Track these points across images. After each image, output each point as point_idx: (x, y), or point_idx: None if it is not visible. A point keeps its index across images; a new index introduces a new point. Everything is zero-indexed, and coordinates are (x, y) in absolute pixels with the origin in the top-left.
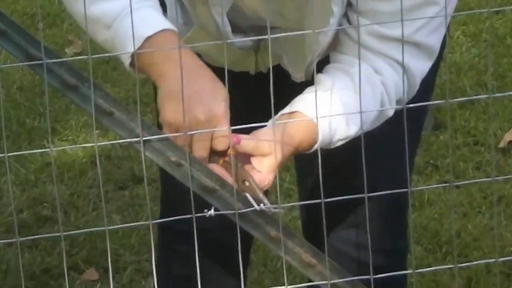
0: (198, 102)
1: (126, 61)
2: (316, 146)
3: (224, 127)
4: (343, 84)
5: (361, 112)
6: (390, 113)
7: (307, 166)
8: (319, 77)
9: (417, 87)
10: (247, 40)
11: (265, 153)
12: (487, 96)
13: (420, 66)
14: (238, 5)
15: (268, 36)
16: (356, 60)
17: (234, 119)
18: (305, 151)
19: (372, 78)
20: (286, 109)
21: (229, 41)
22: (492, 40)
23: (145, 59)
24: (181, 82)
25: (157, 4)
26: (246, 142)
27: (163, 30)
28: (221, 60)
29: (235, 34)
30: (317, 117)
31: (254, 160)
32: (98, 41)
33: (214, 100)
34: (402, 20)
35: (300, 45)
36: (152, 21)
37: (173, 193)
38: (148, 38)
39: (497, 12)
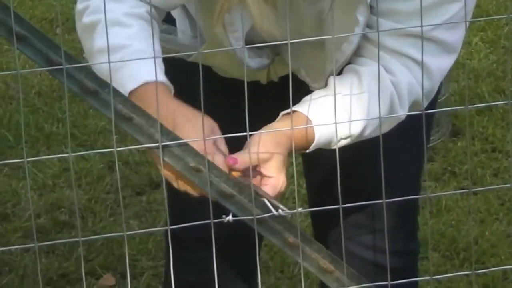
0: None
1: None
2: (313, 146)
3: (216, 158)
4: (349, 84)
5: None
6: (401, 117)
7: (314, 159)
8: (328, 79)
9: (437, 86)
10: (264, 59)
11: (266, 159)
12: (505, 102)
13: (440, 64)
14: (255, 29)
15: (288, 42)
16: (367, 60)
17: (241, 125)
18: (303, 150)
19: (383, 78)
20: (287, 110)
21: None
22: (510, 46)
23: None
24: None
25: (149, 45)
26: (243, 159)
27: (145, 83)
28: (232, 73)
29: (250, 50)
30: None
31: (261, 168)
32: None
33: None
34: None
35: (319, 58)
36: (136, 74)
37: (179, 201)
38: (132, 92)
39: None
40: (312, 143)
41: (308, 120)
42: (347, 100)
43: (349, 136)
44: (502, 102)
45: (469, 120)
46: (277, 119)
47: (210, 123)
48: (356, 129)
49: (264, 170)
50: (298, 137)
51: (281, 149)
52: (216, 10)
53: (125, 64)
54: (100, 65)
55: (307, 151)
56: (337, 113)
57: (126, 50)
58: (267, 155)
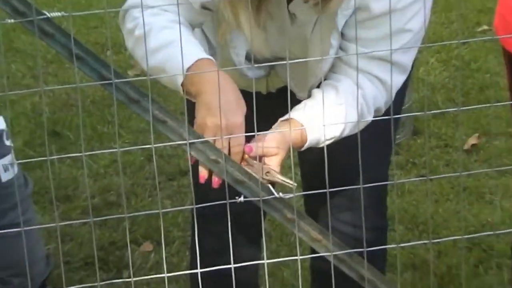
0: (222, 112)
1: (180, 90)
2: (306, 145)
3: (239, 135)
4: (329, 96)
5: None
6: (369, 120)
7: (307, 155)
8: (313, 92)
9: (393, 98)
10: (261, 71)
11: (273, 154)
12: (455, 109)
13: (396, 81)
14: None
15: (287, 62)
16: (341, 77)
17: (249, 125)
18: (299, 148)
19: (354, 92)
20: (284, 117)
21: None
22: (459, 65)
23: (188, 82)
24: (213, 96)
25: (193, 38)
26: (257, 149)
27: (199, 59)
28: (238, 83)
29: (249, 63)
30: (324, 124)
31: (266, 159)
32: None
33: (234, 113)
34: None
35: (303, 73)
36: (190, 55)
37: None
38: (189, 67)
39: (464, 43)
40: (306, 143)
41: (302, 126)
42: (331, 109)
43: (332, 137)
44: (453, 109)
45: (427, 122)
46: (275, 125)
47: (245, 111)
48: (337, 132)
49: (268, 161)
50: (296, 138)
51: (283, 147)
52: (220, 32)
53: (178, 53)
54: (156, 59)
55: (302, 149)
56: (324, 120)
57: (176, 43)
58: (276, 150)
